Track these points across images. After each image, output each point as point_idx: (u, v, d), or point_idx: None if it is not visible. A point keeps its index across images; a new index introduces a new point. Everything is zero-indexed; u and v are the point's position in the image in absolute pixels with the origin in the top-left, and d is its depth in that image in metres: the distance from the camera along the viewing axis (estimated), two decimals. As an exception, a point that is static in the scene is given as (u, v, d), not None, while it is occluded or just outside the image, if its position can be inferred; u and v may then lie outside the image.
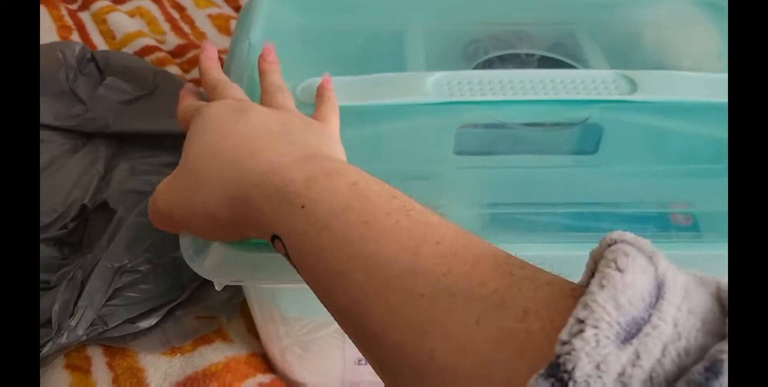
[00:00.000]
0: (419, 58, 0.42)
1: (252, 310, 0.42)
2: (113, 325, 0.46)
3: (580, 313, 0.16)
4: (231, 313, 0.50)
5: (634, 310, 0.16)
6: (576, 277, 0.20)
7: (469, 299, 0.20)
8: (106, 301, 0.47)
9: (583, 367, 0.15)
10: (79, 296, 0.46)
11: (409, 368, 0.21)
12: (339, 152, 0.31)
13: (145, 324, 0.47)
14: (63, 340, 0.44)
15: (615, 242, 0.18)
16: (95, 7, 0.80)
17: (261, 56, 0.37)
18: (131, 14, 0.80)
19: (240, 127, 0.29)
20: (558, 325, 0.17)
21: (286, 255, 0.26)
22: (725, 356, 0.15)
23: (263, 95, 0.35)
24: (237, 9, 0.83)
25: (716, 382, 0.14)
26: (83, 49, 0.65)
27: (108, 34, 0.76)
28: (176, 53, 0.74)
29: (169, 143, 0.59)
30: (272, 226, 0.26)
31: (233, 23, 0.80)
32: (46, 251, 0.51)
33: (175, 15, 0.81)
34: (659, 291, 0.17)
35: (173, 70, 0.70)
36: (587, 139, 0.37)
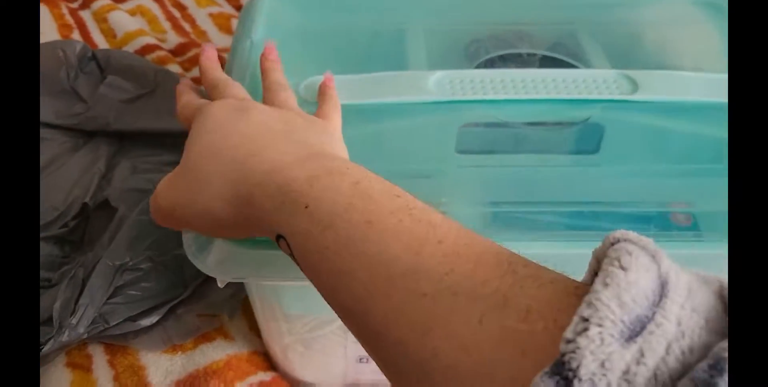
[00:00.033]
0: (421, 57, 0.42)
1: (254, 308, 0.42)
2: (114, 323, 0.46)
3: (584, 311, 0.16)
4: (233, 310, 0.50)
5: (638, 308, 0.16)
6: (577, 275, 0.20)
7: (471, 298, 0.20)
8: (107, 299, 0.47)
9: (587, 366, 0.15)
10: (80, 294, 0.46)
11: (413, 367, 0.21)
12: (341, 150, 0.31)
13: (146, 322, 0.48)
14: (64, 338, 0.44)
15: (618, 241, 0.18)
16: (96, 5, 0.80)
17: (263, 55, 0.37)
18: (132, 13, 0.80)
19: (241, 127, 0.29)
20: (561, 324, 0.17)
21: (291, 254, 0.26)
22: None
23: (265, 93, 0.35)
24: (238, 8, 0.83)
25: (720, 380, 0.15)
26: (84, 48, 0.65)
27: (109, 33, 0.76)
28: (177, 52, 0.74)
29: (170, 142, 0.59)
30: (276, 225, 0.26)
31: (234, 22, 0.80)
32: (47, 249, 0.51)
33: (176, 14, 0.81)
34: (663, 289, 0.17)
35: (174, 68, 0.70)
36: (588, 138, 0.37)
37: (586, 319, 0.16)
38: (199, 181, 0.28)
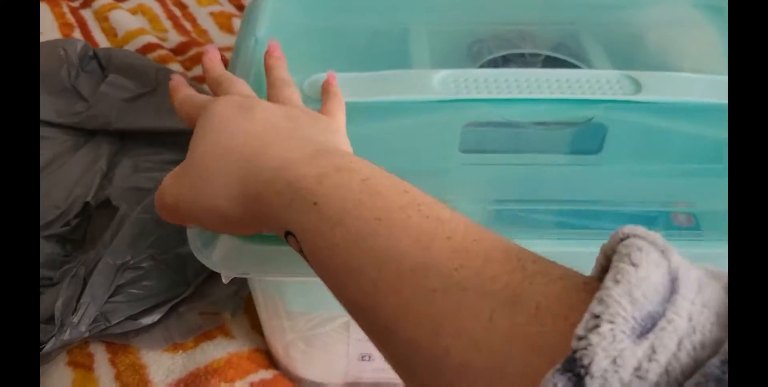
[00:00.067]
0: (424, 57, 0.42)
1: (257, 305, 0.42)
2: (116, 322, 0.46)
3: (595, 308, 0.16)
4: (235, 308, 0.50)
5: (649, 304, 0.16)
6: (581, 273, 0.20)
7: (481, 294, 0.20)
8: (109, 297, 0.47)
9: (599, 362, 0.15)
10: (81, 293, 0.46)
11: (424, 364, 0.21)
12: (346, 147, 0.31)
13: (147, 320, 0.48)
14: (66, 336, 0.44)
15: (627, 236, 0.18)
16: (97, 4, 0.80)
17: (267, 52, 0.37)
18: (133, 12, 0.80)
19: (246, 125, 0.29)
20: (572, 321, 0.17)
21: (300, 251, 0.26)
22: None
23: (270, 89, 0.35)
24: (239, 7, 0.83)
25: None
26: (85, 47, 0.65)
27: (110, 32, 0.76)
28: (178, 51, 0.74)
29: (172, 140, 0.59)
30: (284, 222, 0.26)
31: (235, 21, 0.80)
32: (48, 248, 0.51)
33: (177, 12, 0.81)
34: (673, 285, 0.17)
35: (175, 67, 0.70)
36: (591, 138, 0.37)
37: (597, 316, 0.16)
38: (206, 179, 0.28)
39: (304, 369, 0.46)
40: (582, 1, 0.49)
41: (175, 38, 0.76)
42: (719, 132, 0.36)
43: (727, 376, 0.15)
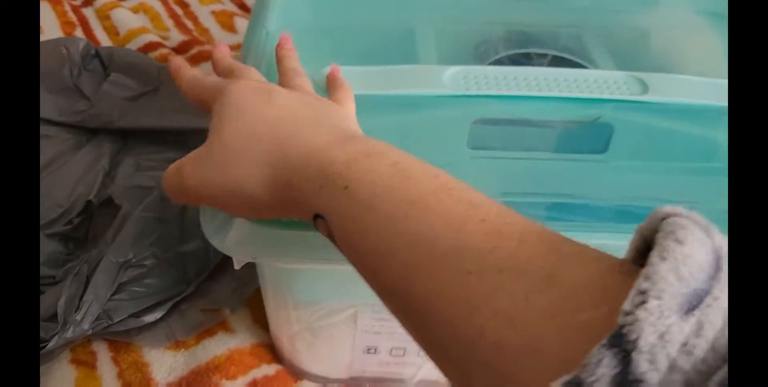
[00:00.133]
0: (431, 56, 0.42)
1: (264, 296, 0.42)
2: (118, 320, 0.47)
3: (642, 284, 0.16)
4: (236, 305, 0.50)
5: (695, 281, 0.16)
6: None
7: (516, 275, 0.20)
8: (112, 295, 0.47)
9: (647, 338, 0.15)
10: (84, 291, 0.46)
11: (459, 345, 0.21)
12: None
13: (150, 318, 0.48)
14: (68, 334, 0.45)
15: (669, 216, 0.18)
16: (99, 3, 0.80)
17: (279, 45, 0.37)
18: (135, 10, 0.80)
19: (267, 111, 0.29)
20: (609, 301, 0.17)
21: (329, 235, 0.26)
22: None
23: (281, 78, 0.35)
24: (240, 5, 0.83)
25: None
26: (87, 45, 0.65)
27: (112, 31, 0.76)
28: (180, 49, 0.74)
29: (173, 139, 0.59)
30: (315, 207, 0.26)
31: (237, 20, 0.80)
32: (51, 247, 0.51)
33: (179, 11, 0.81)
34: (718, 263, 0.17)
35: (177, 66, 0.70)
36: (598, 137, 0.37)
37: (643, 292, 0.16)
38: (234, 163, 0.28)
39: (308, 362, 0.46)
40: (587, 4, 0.49)
41: (176, 37, 0.76)
42: (724, 133, 0.36)
43: None
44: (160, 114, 0.59)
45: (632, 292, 0.16)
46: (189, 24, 0.79)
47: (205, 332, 0.49)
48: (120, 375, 0.47)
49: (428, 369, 0.46)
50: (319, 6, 0.46)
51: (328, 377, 0.48)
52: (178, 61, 0.36)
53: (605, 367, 0.15)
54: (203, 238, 0.50)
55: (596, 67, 0.42)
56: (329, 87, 0.35)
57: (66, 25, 0.77)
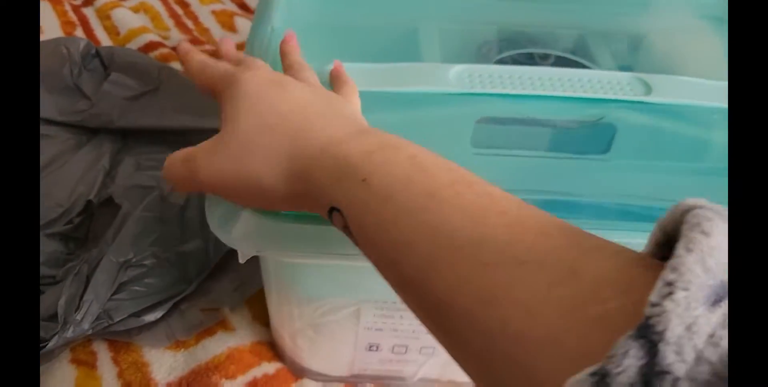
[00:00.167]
0: (435, 56, 0.42)
1: (267, 291, 0.42)
2: (119, 319, 0.47)
3: (668, 276, 0.16)
4: (236, 305, 0.50)
5: (722, 273, 0.16)
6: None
7: (538, 268, 0.20)
8: (112, 295, 0.47)
9: (674, 329, 0.15)
10: (84, 290, 0.46)
11: (479, 336, 0.21)
12: None
13: (150, 317, 0.48)
14: (69, 334, 0.45)
15: (692, 208, 0.18)
16: (99, 2, 0.80)
17: (283, 41, 0.37)
18: (135, 10, 0.80)
19: (283, 102, 0.29)
20: (631, 294, 0.17)
21: (345, 227, 0.26)
22: None
23: (287, 72, 0.35)
24: (240, 5, 0.83)
25: None
26: (88, 45, 0.65)
27: (112, 30, 0.76)
28: (180, 49, 0.74)
29: (174, 139, 0.59)
30: (331, 199, 0.26)
31: (237, 19, 0.80)
32: (51, 246, 0.51)
33: (179, 11, 0.81)
34: None
35: (177, 66, 0.70)
36: (600, 138, 0.38)
37: (670, 284, 0.16)
38: (251, 153, 0.28)
39: (309, 359, 0.46)
40: (589, 6, 0.49)
41: (177, 37, 0.77)
42: (725, 135, 0.36)
43: None
44: (161, 114, 0.59)
45: (659, 284, 0.16)
46: (189, 24, 0.79)
47: (205, 332, 0.49)
48: (120, 375, 0.47)
49: (429, 367, 0.46)
50: (323, 5, 0.46)
51: (329, 375, 0.48)
52: (187, 46, 0.36)
53: (632, 358, 0.15)
54: (204, 238, 0.51)
55: (599, 68, 0.43)
56: (334, 84, 0.35)
57: (66, 24, 0.77)
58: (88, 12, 0.80)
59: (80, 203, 0.54)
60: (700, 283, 0.16)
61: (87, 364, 0.47)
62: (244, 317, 0.50)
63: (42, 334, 0.44)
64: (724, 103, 0.37)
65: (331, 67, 0.36)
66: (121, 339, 0.48)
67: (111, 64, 0.64)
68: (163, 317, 0.48)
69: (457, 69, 0.38)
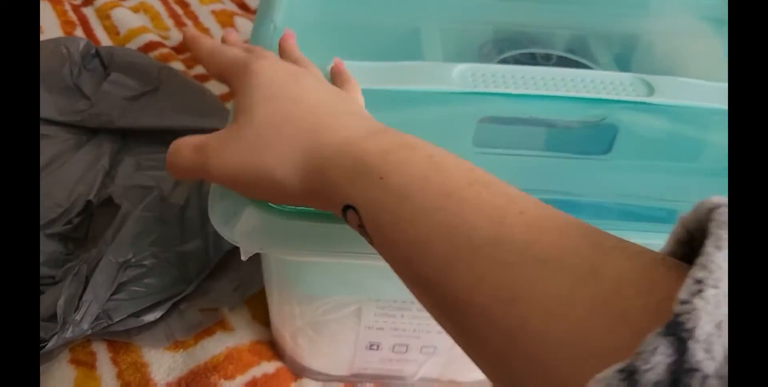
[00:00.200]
0: (436, 55, 0.42)
1: (268, 290, 0.42)
2: (118, 319, 0.46)
3: (698, 273, 0.16)
4: (235, 305, 0.50)
5: None
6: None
7: (559, 267, 0.20)
8: (111, 295, 0.47)
9: (704, 327, 0.15)
10: (84, 291, 0.46)
11: (500, 337, 0.20)
12: None
13: (149, 317, 0.48)
14: (68, 334, 0.44)
15: (719, 206, 0.18)
16: (99, 2, 0.80)
17: (282, 38, 0.37)
18: (135, 10, 0.80)
19: (301, 96, 0.29)
20: (656, 294, 0.17)
21: (360, 226, 0.26)
22: None
23: None
24: (240, 5, 0.83)
25: None
26: (87, 45, 0.65)
27: (112, 30, 0.76)
28: (180, 49, 0.74)
29: (173, 139, 0.58)
30: (347, 197, 0.26)
31: (237, 19, 0.80)
32: (51, 246, 0.51)
33: (179, 11, 0.81)
34: None
35: (177, 66, 0.70)
36: (602, 138, 0.38)
37: (700, 281, 0.16)
38: (267, 146, 0.28)
39: (309, 358, 0.46)
40: (591, 8, 0.49)
41: (176, 36, 0.76)
42: (726, 136, 0.36)
43: None
44: (160, 114, 0.59)
45: (688, 281, 0.16)
46: (189, 24, 0.79)
47: (204, 332, 0.49)
48: (119, 375, 0.47)
49: (430, 366, 0.46)
50: (325, 4, 0.46)
51: (329, 374, 0.48)
52: (194, 31, 0.35)
53: (660, 355, 0.15)
54: (203, 238, 0.51)
55: (600, 68, 0.43)
56: (335, 81, 0.35)
57: (66, 24, 0.77)
58: (88, 12, 0.80)
59: (80, 203, 0.54)
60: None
61: (86, 364, 0.47)
62: (244, 317, 0.50)
63: (41, 334, 0.44)
64: (725, 105, 0.37)
65: (331, 65, 0.36)
66: (120, 339, 0.48)
67: (111, 64, 0.64)
68: (162, 317, 0.48)
69: (460, 68, 0.38)
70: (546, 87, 0.37)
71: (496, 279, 0.21)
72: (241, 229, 0.31)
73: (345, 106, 0.30)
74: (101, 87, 0.61)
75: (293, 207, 0.30)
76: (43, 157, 0.57)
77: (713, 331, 0.15)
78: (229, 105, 0.64)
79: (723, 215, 0.17)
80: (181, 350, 0.48)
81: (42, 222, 0.52)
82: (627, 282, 0.18)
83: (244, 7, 0.83)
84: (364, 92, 0.34)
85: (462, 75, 0.38)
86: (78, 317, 0.45)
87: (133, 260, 0.48)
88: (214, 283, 0.51)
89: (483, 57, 0.43)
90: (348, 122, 0.28)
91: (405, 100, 0.37)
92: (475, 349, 0.22)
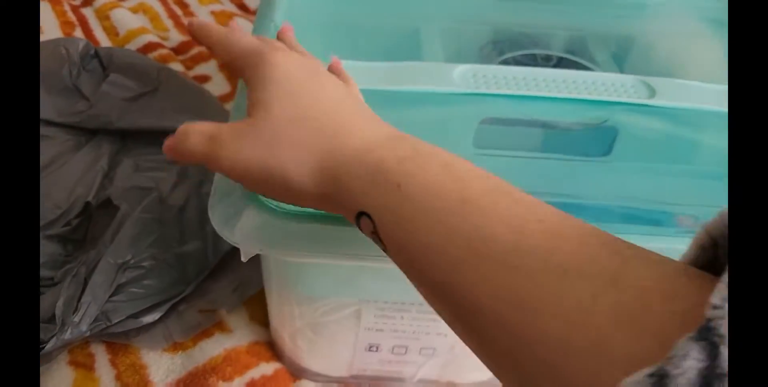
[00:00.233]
0: (437, 56, 0.42)
1: (267, 291, 0.42)
2: (117, 321, 0.46)
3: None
4: (234, 306, 0.50)
5: None
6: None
7: (580, 276, 0.20)
8: (110, 296, 0.47)
9: None
10: (82, 292, 0.46)
11: (520, 346, 0.20)
12: None
13: (148, 319, 0.48)
14: (67, 335, 0.44)
15: None
16: (98, 3, 0.80)
17: (280, 32, 0.36)
18: (134, 10, 0.80)
19: (319, 94, 0.29)
20: (679, 302, 0.17)
21: (373, 233, 0.25)
22: None
23: None
24: (240, 5, 0.83)
25: None
26: (87, 46, 0.65)
27: (111, 31, 0.76)
28: (179, 50, 0.74)
29: (173, 140, 0.59)
30: (361, 203, 0.25)
31: (236, 20, 0.80)
32: (49, 248, 0.51)
33: (178, 11, 0.81)
34: None
35: (176, 67, 0.70)
36: (602, 140, 0.38)
37: None
38: (282, 144, 0.27)
39: (308, 359, 0.46)
40: (592, 9, 0.49)
41: (176, 37, 0.76)
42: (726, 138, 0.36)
43: None
44: (160, 114, 0.59)
45: (719, 286, 0.16)
46: (189, 24, 0.79)
47: (202, 333, 0.49)
48: (118, 377, 0.47)
49: (429, 368, 0.46)
50: (325, 4, 0.46)
51: (328, 375, 0.48)
52: (200, 19, 0.34)
53: (692, 360, 0.15)
54: (202, 239, 0.51)
55: (600, 70, 0.43)
56: None
57: (65, 25, 0.77)
58: (87, 12, 0.80)
59: (79, 205, 0.54)
60: None
61: (85, 366, 0.47)
62: (242, 318, 0.50)
63: (40, 335, 0.44)
64: (726, 107, 0.37)
65: (329, 64, 0.36)
66: (119, 341, 0.48)
67: (110, 65, 0.64)
68: (160, 319, 0.48)
69: (461, 69, 0.38)
70: (547, 88, 0.37)
71: (516, 289, 0.21)
72: (241, 230, 0.31)
73: (358, 107, 0.30)
74: (100, 88, 0.61)
75: (293, 207, 0.30)
76: (42, 158, 0.57)
77: None
78: (228, 105, 0.64)
79: None
80: (180, 352, 0.48)
81: (41, 223, 0.52)
82: (650, 291, 0.18)
83: (244, 8, 0.83)
84: (364, 92, 0.34)
85: (463, 76, 0.38)
86: (77, 319, 0.45)
87: (132, 262, 0.48)
88: (213, 284, 0.50)
89: (483, 58, 0.43)
90: (363, 125, 0.28)
91: (405, 100, 0.37)
92: (493, 359, 0.22)
